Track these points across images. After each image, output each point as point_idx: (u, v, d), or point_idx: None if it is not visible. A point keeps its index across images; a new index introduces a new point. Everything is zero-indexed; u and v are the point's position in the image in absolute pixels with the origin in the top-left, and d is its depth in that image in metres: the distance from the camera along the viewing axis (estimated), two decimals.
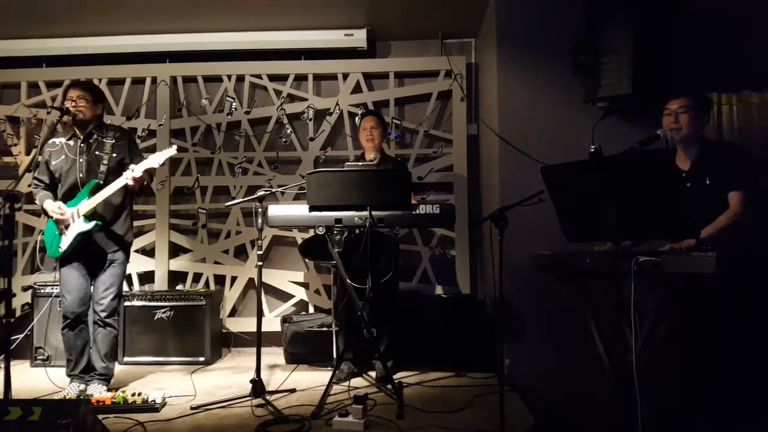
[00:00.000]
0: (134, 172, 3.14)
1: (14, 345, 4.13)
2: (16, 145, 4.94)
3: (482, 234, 4.53)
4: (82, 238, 3.20)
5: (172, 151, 3.30)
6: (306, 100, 4.87)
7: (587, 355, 2.76)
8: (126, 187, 3.21)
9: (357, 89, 4.85)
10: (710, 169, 2.69)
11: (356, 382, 3.50)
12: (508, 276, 2.47)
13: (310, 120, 4.83)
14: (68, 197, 3.26)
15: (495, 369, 3.60)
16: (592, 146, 2.20)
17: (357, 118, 4.66)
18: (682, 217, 2.21)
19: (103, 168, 3.27)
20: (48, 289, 4.14)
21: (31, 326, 4.15)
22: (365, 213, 3.07)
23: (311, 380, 3.59)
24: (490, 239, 2.40)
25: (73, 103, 3.24)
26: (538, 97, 3.84)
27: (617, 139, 2.80)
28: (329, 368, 3.80)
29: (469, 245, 4.64)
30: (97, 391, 3.22)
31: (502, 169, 3.85)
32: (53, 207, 3.20)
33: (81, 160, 3.27)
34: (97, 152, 3.29)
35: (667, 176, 2.23)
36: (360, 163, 3.66)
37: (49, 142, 3.36)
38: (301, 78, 4.92)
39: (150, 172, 3.29)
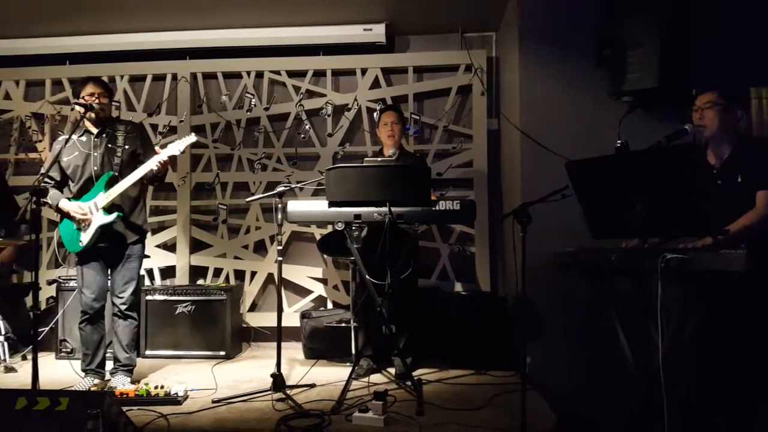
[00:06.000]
0: (161, 154, 3.17)
1: (40, 337, 4.20)
2: (40, 141, 5.01)
3: (503, 230, 4.50)
4: (103, 230, 3.23)
5: (192, 138, 3.32)
6: (324, 95, 4.87)
7: (611, 354, 2.73)
8: (145, 176, 3.24)
9: (375, 84, 4.84)
10: (744, 166, 2.60)
11: (375, 378, 3.49)
12: (529, 273, 2.43)
13: (329, 116, 4.83)
14: (83, 191, 3.28)
15: (515, 367, 3.57)
16: (619, 141, 2.17)
17: (376, 114, 4.65)
18: (712, 215, 2.16)
19: (117, 160, 3.30)
20: (72, 283, 4.19)
21: (55, 319, 4.21)
22: (384, 209, 3.06)
23: (330, 376, 3.59)
24: (512, 236, 2.38)
25: (96, 99, 3.27)
26: (561, 91, 3.79)
27: (643, 134, 2.76)
28: (348, 364, 3.80)
29: (489, 242, 4.60)
30: (121, 383, 3.26)
31: (524, 164, 3.81)
32: (74, 207, 3.23)
33: (95, 154, 3.30)
34: (110, 145, 3.32)
35: (698, 172, 2.18)
36: (379, 159, 3.64)
37: (59, 139, 3.40)
38: (319, 74, 4.92)
39: (171, 160, 3.30)
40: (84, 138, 3.34)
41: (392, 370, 3.64)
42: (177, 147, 3.24)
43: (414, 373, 3.35)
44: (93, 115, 3.27)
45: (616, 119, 3.53)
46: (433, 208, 3.28)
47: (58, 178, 3.35)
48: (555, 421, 2.73)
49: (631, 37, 3.51)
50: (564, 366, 3.29)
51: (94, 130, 3.34)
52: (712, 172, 2.67)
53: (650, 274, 2.18)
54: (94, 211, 3.22)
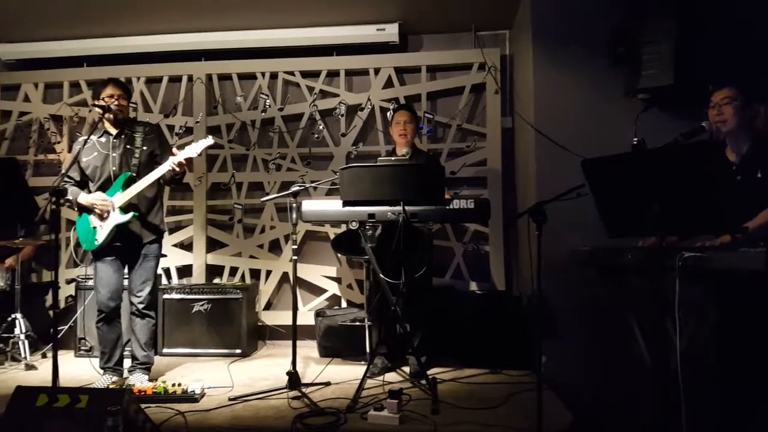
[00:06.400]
0: (178, 156, 3.19)
1: (59, 335, 4.26)
2: (59, 142, 5.09)
3: (517, 229, 4.49)
4: (119, 229, 3.27)
5: (209, 141, 3.34)
6: (338, 95, 4.89)
7: (627, 353, 2.71)
8: (162, 176, 3.27)
9: (389, 84, 4.85)
10: (764, 162, 2.58)
11: (390, 377, 3.49)
12: (545, 272, 2.43)
13: (342, 116, 4.84)
14: (102, 191, 3.32)
15: (530, 366, 3.56)
16: (635, 139, 2.16)
17: (389, 113, 4.65)
18: (731, 212, 2.14)
19: (135, 161, 3.34)
20: (90, 282, 4.24)
21: (74, 318, 4.28)
22: (398, 208, 3.07)
23: (345, 374, 3.61)
24: (527, 234, 2.36)
25: (115, 101, 3.31)
26: (576, 88, 3.77)
27: (659, 131, 2.73)
28: (362, 362, 3.82)
29: (503, 241, 4.59)
30: (139, 381, 3.30)
31: (539, 162, 3.80)
32: (94, 198, 3.26)
33: (114, 155, 3.34)
34: (128, 146, 3.36)
35: (717, 169, 2.16)
36: (393, 158, 3.65)
37: (79, 140, 3.44)
38: (333, 74, 4.94)
39: (188, 162, 3.32)
40: (103, 139, 3.38)
41: (407, 369, 3.65)
42: (194, 149, 3.26)
43: (428, 372, 3.36)
44: (111, 116, 3.31)
45: (631, 117, 3.50)
46: (447, 207, 3.28)
47: (78, 179, 3.39)
48: (571, 421, 2.71)
49: (647, 33, 3.48)
50: (579, 365, 3.26)
51: (113, 131, 3.38)
52: (731, 169, 2.65)
53: (667, 273, 2.16)
54: (111, 211, 3.26)
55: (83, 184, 3.41)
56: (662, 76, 3.43)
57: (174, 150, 3.25)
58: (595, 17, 3.74)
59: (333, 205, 3.29)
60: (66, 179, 3.33)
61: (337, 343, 4.15)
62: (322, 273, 4.83)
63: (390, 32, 4.73)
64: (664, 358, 2.42)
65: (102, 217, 3.27)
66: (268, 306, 4.87)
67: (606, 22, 3.70)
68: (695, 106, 2.89)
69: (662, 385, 2.42)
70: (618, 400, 2.81)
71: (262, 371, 3.77)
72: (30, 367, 3.90)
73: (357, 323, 4.10)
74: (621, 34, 3.64)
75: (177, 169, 3.23)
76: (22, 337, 4.04)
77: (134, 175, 3.30)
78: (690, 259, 2.12)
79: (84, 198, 3.29)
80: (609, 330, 2.89)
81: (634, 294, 2.62)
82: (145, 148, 3.38)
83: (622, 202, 2.38)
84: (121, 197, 3.25)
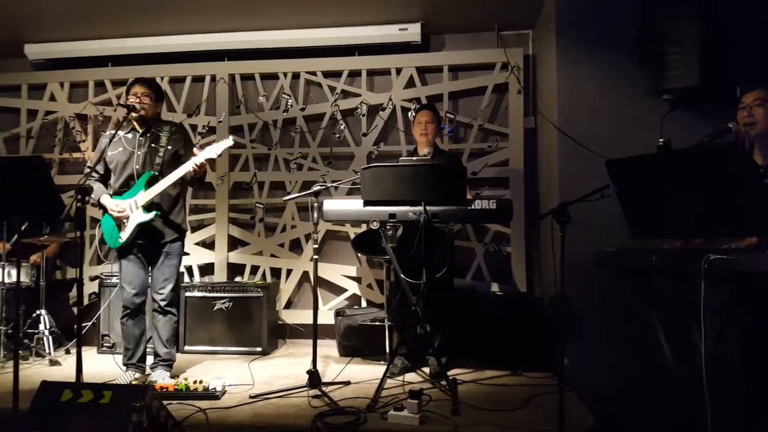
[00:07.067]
0: (199, 156, 3.21)
1: (83, 331, 4.33)
2: (84, 141, 5.17)
3: (539, 230, 4.45)
4: (141, 228, 3.30)
5: (229, 142, 3.33)
6: (359, 95, 4.89)
7: (649, 356, 2.67)
8: (184, 176, 3.29)
9: (410, 84, 4.84)
10: None
11: (410, 377, 3.49)
12: (568, 273, 2.40)
13: (363, 116, 4.85)
14: (124, 188, 3.36)
15: (552, 368, 3.52)
16: (661, 139, 2.12)
17: (410, 113, 4.65)
18: (758, 215, 2.09)
19: (158, 160, 3.37)
20: (114, 280, 4.32)
21: (98, 315, 4.34)
22: (420, 208, 3.06)
23: (365, 373, 3.61)
24: (551, 235, 2.34)
25: (138, 100, 3.35)
26: (600, 89, 3.73)
27: (685, 132, 2.69)
28: (382, 362, 3.82)
29: (525, 242, 4.55)
30: (161, 378, 3.34)
31: (562, 163, 3.77)
32: (112, 204, 3.30)
33: (138, 152, 3.37)
34: (153, 145, 3.39)
35: (743, 170, 2.11)
36: (414, 158, 3.64)
37: (107, 133, 3.48)
38: (354, 74, 4.94)
39: (209, 162, 3.35)
40: (129, 135, 3.42)
41: (427, 370, 3.64)
42: (214, 150, 3.27)
43: (449, 373, 3.34)
44: (135, 114, 3.34)
45: (655, 118, 3.47)
46: (469, 208, 3.26)
47: (102, 172, 3.44)
48: (593, 424, 2.68)
49: (672, 33, 3.43)
50: (602, 367, 3.23)
51: (140, 129, 3.42)
52: (758, 171, 2.59)
53: (693, 275, 2.12)
54: (133, 209, 3.30)
55: (108, 177, 3.45)
56: (687, 76, 3.38)
57: (195, 150, 3.27)
58: (620, 17, 3.70)
59: (354, 205, 3.29)
60: (93, 173, 3.37)
61: (357, 342, 4.15)
62: (342, 272, 4.84)
63: (412, 32, 4.72)
64: (688, 360, 2.38)
65: (121, 222, 3.32)
66: (289, 305, 4.89)
67: (631, 22, 3.66)
68: (722, 107, 2.84)
69: (685, 388, 2.38)
70: (641, 403, 2.77)
71: (283, 369, 3.79)
72: (54, 362, 3.97)
73: (377, 323, 4.10)
74: (646, 34, 3.59)
75: (198, 169, 3.25)
76: (46, 333, 4.11)
77: (157, 174, 3.34)
78: (716, 261, 2.08)
79: (105, 200, 3.34)
80: (632, 332, 2.84)
81: (658, 296, 2.58)
82: (169, 147, 3.41)
83: (647, 203, 2.34)
84: (144, 196, 3.28)
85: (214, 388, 3.04)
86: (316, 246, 3.35)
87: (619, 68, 3.70)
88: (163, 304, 3.41)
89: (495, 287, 4.58)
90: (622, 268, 2.70)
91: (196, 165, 3.22)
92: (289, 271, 4.90)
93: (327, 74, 4.96)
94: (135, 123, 3.43)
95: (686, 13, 3.41)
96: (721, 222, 2.17)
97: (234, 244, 5.00)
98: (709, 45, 3.33)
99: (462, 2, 4.42)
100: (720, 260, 2.08)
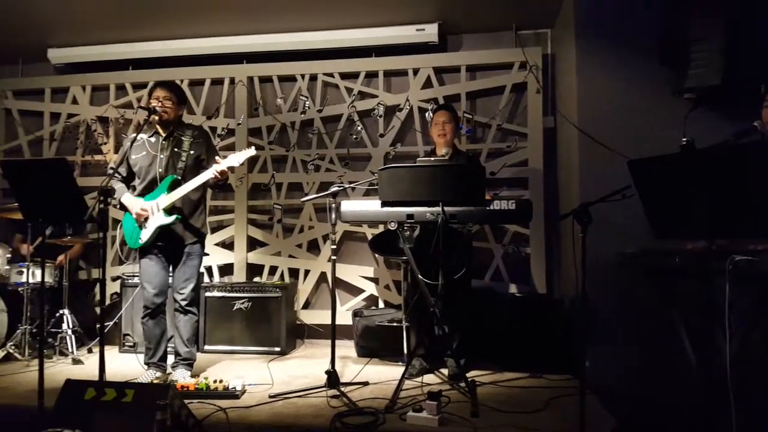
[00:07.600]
0: (221, 164, 3.25)
1: (105, 330, 4.39)
2: (105, 143, 5.25)
3: (559, 231, 4.41)
4: (162, 230, 3.34)
5: (251, 152, 3.36)
6: (376, 96, 4.90)
7: (672, 358, 2.63)
8: (206, 181, 3.33)
9: (427, 84, 4.83)
10: None
11: (428, 378, 3.49)
12: (589, 274, 2.38)
13: (380, 116, 4.85)
14: (147, 191, 3.41)
15: (572, 371, 3.49)
16: (684, 139, 2.10)
17: (428, 113, 4.64)
18: None
19: (181, 164, 3.40)
20: (135, 280, 4.37)
21: (119, 314, 4.40)
22: (437, 209, 3.04)
23: (383, 374, 3.61)
24: (571, 236, 2.33)
25: (159, 103, 3.38)
26: (620, 88, 3.68)
27: (708, 131, 2.65)
28: (400, 363, 3.82)
29: (545, 242, 4.52)
30: (182, 377, 3.37)
31: (582, 163, 3.73)
32: (133, 204, 3.35)
33: (161, 156, 3.41)
34: (176, 149, 3.43)
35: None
36: (432, 159, 3.63)
37: (130, 136, 3.52)
38: (371, 75, 4.95)
39: (230, 169, 3.38)
40: (153, 139, 3.47)
41: (445, 371, 3.62)
42: (237, 159, 3.30)
43: (467, 375, 3.33)
44: (156, 117, 3.38)
45: (677, 117, 3.42)
46: (488, 208, 3.25)
47: (125, 174, 3.49)
48: (614, 426, 2.65)
49: (694, 31, 3.38)
50: (623, 369, 3.19)
51: (163, 133, 3.46)
52: None
53: (717, 276, 2.09)
54: (155, 211, 3.33)
55: (130, 179, 3.50)
56: (710, 75, 3.32)
57: (217, 158, 3.30)
58: (640, 15, 3.66)
59: (371, 206, 3.29)
60: (114, 173, 3.39)
61: (375, 343, 4.15)
62: (359, 273, 4.85)
63: (429, 32, 4.72)
64: (711, 362, 2.34)
65: (141, 222, 3.36)
66: (307, 305, 4.91)
67: (651, 20, 3.61)
68: (746, 106, 2.80)
69: (707, 391, 2.35)
70: (660, 404, 2.74)
71: (301, 369, 3.81)
72: (77, 361, 4.03)
73: (395, 324, 4.10)
74: (667, 33, 3.55)
75: (219, 176, 3.29)
76: (69, 332, 4.18)
77: (179, 178, 3.37)
78: (741, 262, 2.05)
79: (127, 199, 3.38)
80: (654, 333, 2.81)
81: (680, 297, 2.55)
82: (192, 152, 3.45)
83: (669, 204, 2.31)
84: (166, 199, 3.32)
85: (234, 388, 3.06)
86: (334, 247, 3.36)
87: (639, 67, 3.65)
88: (183, 303, 3.45)
89: (513, 288, 4.55)
90: (643, 269, 2.67)
91: (218, 172, 3.25)
92: (307, 272, 4.92)
93: (344, 76, 4.97)
94: (158, 127, 3.47)
95: (711, 12, 3.36)
96: (746, 222, 2.14)
97: (253, 244, 5.03)
98: (733, 44, 3.28)
99: (479, 2, 4.41)
100: (745, 261, 2.05)
